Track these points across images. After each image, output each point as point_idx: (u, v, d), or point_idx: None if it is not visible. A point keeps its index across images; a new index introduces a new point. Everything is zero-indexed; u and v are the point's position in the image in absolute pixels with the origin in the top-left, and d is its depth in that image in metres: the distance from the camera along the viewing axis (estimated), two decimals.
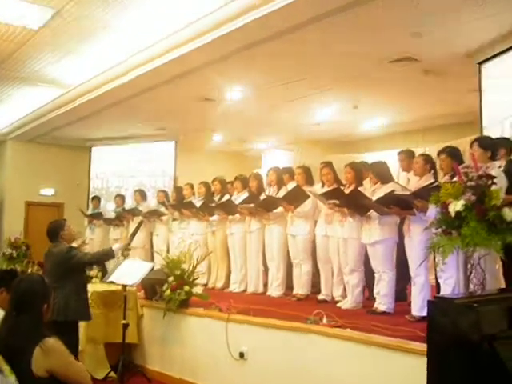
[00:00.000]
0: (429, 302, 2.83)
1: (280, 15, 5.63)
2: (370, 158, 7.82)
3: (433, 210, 3.94)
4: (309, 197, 6.28)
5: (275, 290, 6.75)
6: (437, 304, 2.72)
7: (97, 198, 11.06)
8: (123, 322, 5.64)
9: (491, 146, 4.40)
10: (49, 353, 2.67)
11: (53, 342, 2.73)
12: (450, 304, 2.63)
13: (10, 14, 6.35)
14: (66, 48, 7.42)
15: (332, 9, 5.47)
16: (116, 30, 6.80)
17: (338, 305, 5.84)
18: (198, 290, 5.74)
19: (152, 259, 8.81)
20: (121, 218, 9.74)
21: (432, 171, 5.08)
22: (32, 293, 2.81)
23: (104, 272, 6.49)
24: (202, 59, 7.00)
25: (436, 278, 5.11)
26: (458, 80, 7.56)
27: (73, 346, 4.92)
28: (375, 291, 5.53)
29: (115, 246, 5.43)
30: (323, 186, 6.33)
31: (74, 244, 5.49)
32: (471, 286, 3.42)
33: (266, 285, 7.07)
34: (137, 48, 7.31)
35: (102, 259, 5.60)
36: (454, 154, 4.65)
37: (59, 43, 7.24)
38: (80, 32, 6.85)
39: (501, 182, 3.89)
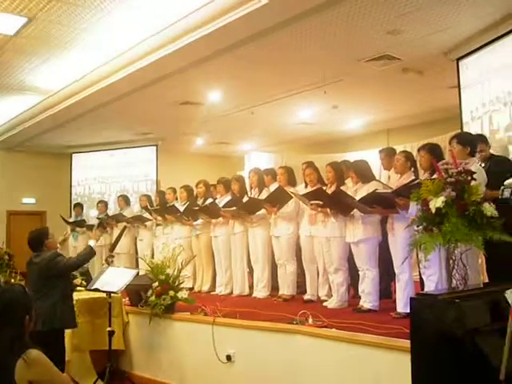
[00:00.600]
0: (411, 298, 2.85)
1: (248, 20, 5.63)
2: (352, 157, 7.87)
3: (414, 208, 3.97)
4: (292, 197, 6.29)
5: (261, 291, 6.75)
6: (419, 301, 2.74)
7: (79, 205, 10.96)
8: (109, 329, 5.61)
9: (470, 142, 4.43)
10: (32, 364, 2.64)
11: (36, 354, 2.69)
12: (432, 300, 2.65)
13: None
14: (43, 54, 7.33)
15: (303, 11, 5.48)
16: (93, 34, 6.73)
17: (324, 304, 5.86)
18: (183, 294, 5.71)
19: (137, 265, 8.77)
20: (104, 224, 9.67)
21: (412, 169, 5.12)
22: (14, 304, 2.77)
23: (88, 280, 6.42)
24: (180, 63, 6.97)
25: (420, 275, 5.15)
26: (437, 77, 7.61)
27: (60, 354, 4.92)
28: (360, 289, 5.55)
29: (91, 242, 5.38)
30: (306, 186, 6.35)
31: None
32: (454, 282, 3.45)
33: (251, 287, 7.07)
34: (114, 53, 7.25)
35: (86, 259, 5.55)
36: (433, 150, 4.68)
37: (36, 50, 7.16)
38: (56, 38, 6.78)
39: (480, 178, 3.92)
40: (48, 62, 7.67)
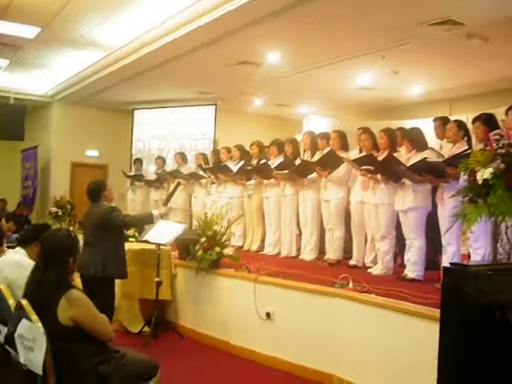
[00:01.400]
0: (444, 268, 2.82)
1: None
2: (411, 124, 7.65)
3: (465, 178, 3.88)
4: (343, 162, 6.25)
5: (308, 254, 6.81)
6: (451, 270, 2.70)
7: (139, 161, 11.26)
8: (156, 279, 5.85)
9: None
10: (73, 303, 2.82)
11: (77, 294, 2.88)
12: (464, 271, 2.61)
13: None
14: (106, 10, 7.48)
15: None
16: None
17: (369, 271, 5.86)
18: (229, 251, 5.84)
19: (191, 220, 9.01)
20: (161, 179, 9.94)
21: (465, 138, 4.97)
22: (58, 247, 2.95)
23: (140, 231, 6.66)
24: (240, 21, 6.93)
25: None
26: (503, 44, 7.25)
27: (109, 301, 5.17)
28: (405, 258, 5.52)
29: (155, 212, 5.53)
30: (361, 151, 6.28)
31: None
32: (498, 256, 3.38)
33: (299, 249, 7.14)
34: (174, 10, 7.30)
35: (141, 223, 5.73)
36: (488, 121, 4.52)
37: (100, 6, 7.32)
38: None
39: None
40: (111, 18, 7.82)
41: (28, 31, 8.45)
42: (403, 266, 5.66)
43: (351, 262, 6.27)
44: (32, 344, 2.77)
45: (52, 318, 2.78)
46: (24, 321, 2.83)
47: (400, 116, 10.81)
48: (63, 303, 2.80)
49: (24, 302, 2.85)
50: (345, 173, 6.37)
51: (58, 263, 2.90)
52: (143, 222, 5.63)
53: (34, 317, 2.78)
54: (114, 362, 2.96)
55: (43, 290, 2.87)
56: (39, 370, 2.73)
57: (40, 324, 2.76)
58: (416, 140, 5.51)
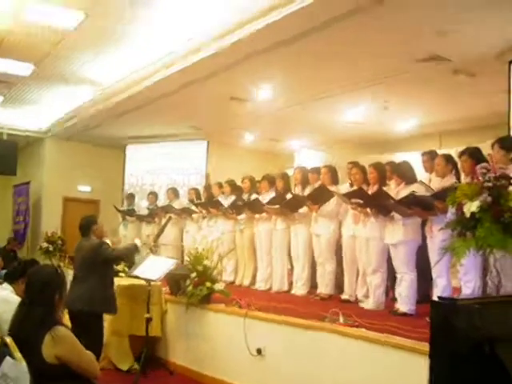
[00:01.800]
0: (432, 302, 2.81)
1: (303, 15, 5.67)
2: (401, 158, 7.71)
3: (452, 211, 3.90)
4: (333, 196, 6.28)
5: (300, 288, 6.78)
6: (439, 304, 2.70)
7: (131, 195, 11.28)
8: (146, 315, 5.78)
9: None
10: (58, 340, 2.78)
11: (62, 331, 2.84)
12: (452, 305, 2.60)
13: (44, 16, 6.57)
14: (97, 48, 7.60)
15: (353, 8, 5.47)
16: (148, 29, 6.94)
17: (361, 305, 5.83)
18: (219, 286, 5.80)
19: (182, 256, 8.96)
20: (153, 214, 9.93)
21: (453, 172, 5.02)
22: (44, 282, 2.93)
23: (131, 266, 6.62)
24: (230, 58, 7.07)
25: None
26: (489, 80, 7.39)
27: (98, 337, 5.11)
28: (396, 292, 5.50)
29: (137, 241, 5.57)
30: (352, 186, 6.32)
31: (107, 240, 5.64)
32: (488, 290, 3.38)
33: (291, 283, 7.10)
34: (167, 48, 7.43)
35: (128, 254, 5.72)
36: (474, 154, 4.58)
37: (91, 44, 7.43)
38: (111, 33, 7.02)
39: None
40: (102, 56, 7.93)
41: (23, 68, 8.54)
42: (395, 299, 5.63)
43: (343, 297, 6.24)
44: (15, 383, 2.71)
45: (36, 355, 2.74)
46: (8, 358, 2.77)
47: (391, 149, 10.90)
48: (48, 340, 2.76)
49: (8, 340, 2.81)
50: (335, 207, 6.39)
51: (43, 300, 2.87)
52: (129, 252, 5.62)
53: (18, 354, 2.73)
54: None
55: (28, 327, 2.83)
56: None
57: (24, 362, 2.71)
58: (405, 174, 5.56)
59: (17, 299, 3.48)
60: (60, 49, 7.60)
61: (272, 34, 6.28)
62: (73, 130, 12.36)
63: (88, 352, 2.93)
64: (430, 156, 5.89)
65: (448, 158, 5.10)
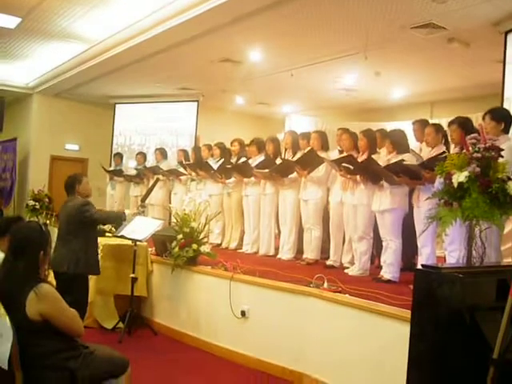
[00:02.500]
0: (416, 270, 2.84)
1: None
2: (391, 127, 7.68)
3: (440, 181, 3.90)
4: (323, 162, 6.26)
5: (286, 253, 6.81)
6: (423, 272, 2.72)
7: (119, 155, 11.18)
8: (132, 275, 5.81)
9: (504, 118, 4.29)
10: (42, 297, 2.77)
11: (47, 288, 2.83)
12: (435, 273, 2.62)
13: None
14: (88, 3, 7.41)
15: None
16: None
17: (346, 271, 5.88)
18: (205, 248, 5.81)
19: (170, 217, 8.96)
20: (141, 175, 9.87)
21: (443, 141, 5.00)
22: (28, 239, 2.90)
23: (117, 226, 6.60)
24: (223, 18, 6.93)
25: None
26: (484, 50, 7.33)
27: (82, 297, 5.13)
28: (381, 260, 5.54)
29: (127, 211, 5.54)
30: (341, 152, 6.29)
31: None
32: (472, 260, 3.40)
33: (278, 248, 7.13)
34: (157, 4, 7.26)
35: (111, 221, 5.67)
36: (464, 124, 4.56)
37: None
38: None
39: (511, 156, 3.81)
40: (93, 12, 7.74)
41: (8, 21, 8.32)
42: (380, 267, 5.68)
43: (328, 262, 6.28)
44: None
45: (20, 311, 2.73)
46: None
47: (381, 118, 10.88)
48: (32, 297, 2.75)
49: None
50: (324, 173, 6.38)
51: (27, 256, 2.85)
52: (113, 220, 5.58)
53: (2, 310, 2.73)
54: (82, 358, 2.92)
55: (11, 283, 2.82)
56: (5, 365, 2.68)
57: (7, 317, 2.70)
58: (398, 142, 5.50)
59: (1, 256, 3.46)
60: (49, 2, 7.39)
61: None
62: (61, 87, 12.16)
63: (72, 310, 2.93)
64: (421, 125, 5.84)
65: (438, 128, 5.07)
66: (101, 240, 5.88)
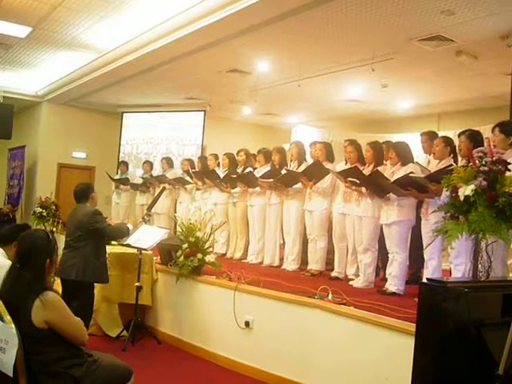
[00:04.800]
0: (421, 283, 2.82)
1: None
2: (398, 139, 7.70)
3: (447, 194, 3.90)
4: (328, 173, 6.26)
5: (290, 264, 6.80)
6: (428, 286, 2.71)
7: (124, 164, 11.25)
8: (137, 284, 5.81)
9: None
10: (48, 305, 2.78)
11: (52, 296, 2.84)
12: (441, 287, 2.61)
13: None
14: (98, 13, 7.46)
15: None
16: None
17: (350, 283, 5.86)
18: (210, 258, 5.81)
19: (175, 226, 8.97)
20: (147, 184, 9.91)
21: (452, 155, 5.00)
22: (35, 247, 2.92)
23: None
24: (230, 30, 6.96)
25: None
26: (492, 63, 7.33)
27: (88, 304, 5.15)
28: (387, 272, 5.53)
29: (129, 225, 5.59)
30: (346, 163, 6.30)
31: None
32: (478, 274, 3.39)
33: (282, 258, 7.12)
34: (166, 15, 7.30)
35: (118, 236, 5.71)
36: (473, 137, 4.56)
37: (92, 8, 7.29)
38: None
39: None
40: (103, 21, 7.78)
41: (19, 30, 8.40)
42: (385, 280, 5.67)
43: (333, 274, 6.27)
44: (4, 345, 2.72)
45: (26, 319, 2.75)
46: None
47: (389, 130, 10.89)
48: (37, 305, 2.76)
49: None
50: (329, 184, 6.38)
51: (33, 264, 2.87)
52: (120, 235, 5.60)
53: (8, 317, 2.74)
54: (86, 366, 2.92)
55: (18, 291, 2.83)
56: (10, 372, 2.69)
57: (13, 325, 2.72)
58: (402, 153, 5.52)
59: (8, 263, 3.47)
60: (59, 12, 7.46)
61: (271, 8, 6.20)
62: (69, 95, 12.22)
63: (76, 318, 2.94)
64: (429, 137, 5.84)
65: (447, 141, 5.06)
66: (106, 248, 5.89)
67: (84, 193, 5.28)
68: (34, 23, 8.01)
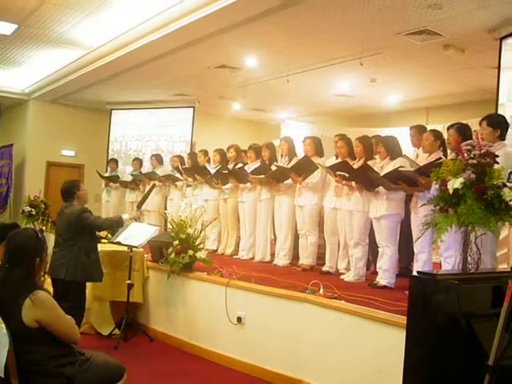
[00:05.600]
0: (412, 276, 2.85)
1: None
2: (387, 133, 7.71)
3: (436, 187, 3.92)
4: (318, 168, 6.27)
5: (281, 259, 6.81)
6: (418, 279, 2.73)
7: (114, 161, 11.21)
8: (128, 281, 5.80)
9: (500, 125, 4.31)
10: (38, 304, 2.77)
11: (42, 294, 2.83)
12: (431, 280, 2.64)
13: None
14: (85, 10, 7.40)
15: None
16: None
17: (342, 277, 5.88)
18: (201, 254, 5.80)
19: (165, 223, 8.96)
20: (137, 181, 9.88)
21: (441, 148, 5.02)
22: (24, 246, 2.90)
23: (113, 233, 6.60)
24: (218, 25, 6.94)
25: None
26: (479, 56, 7.37)
27: (80, 303, 5.13)
28: (377, 266, 5.55)
29: (125, 216, 5.55)
30: (337, 158, 6.31)
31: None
32: (467, 266, 3.41)
33: (274, 254, 7.13)
34: (154, 11, 7.26)
35: (111, 226, 5.69)
36: (462, 130, 4.58)
37: (78, 5, 7.24)
38: None
39: (506, 163, 3.83)
40: (90, 18, 7.73)
41: (4, 27, 8.32)
42: (376, 273, 5.69)
43: (324, 268, 6.29)
44: None
45: (16, 318, 2.73)
46: None
47: (378, 124, 10.91)
48: (28, 304, 2.75)
49: None
50: (319, 179, 6.40)
51: (23, 263, 2.85)
52: (113, 225, 5.59)
53: None
54: (78, 364, 2.92)
55: (7, 290, 2.82)
56: (1, 372, 2.67)
57: (3, 325, 2.70)
58: (390, 148, 5.54)
59: None
60: (45, 8, 7.39)
61: (258, 3, 6.19)
62: (57, 93, 12.13)
63: (68, 317, 2.93)
64: (418, 130, 5.87)
65: (436, 134, 5.08)
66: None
67: (69, 191, 5.22)
68: (20, 20, 7.93)
